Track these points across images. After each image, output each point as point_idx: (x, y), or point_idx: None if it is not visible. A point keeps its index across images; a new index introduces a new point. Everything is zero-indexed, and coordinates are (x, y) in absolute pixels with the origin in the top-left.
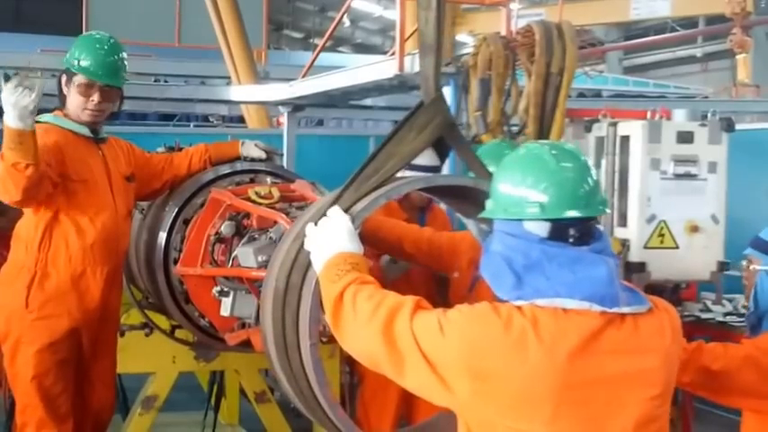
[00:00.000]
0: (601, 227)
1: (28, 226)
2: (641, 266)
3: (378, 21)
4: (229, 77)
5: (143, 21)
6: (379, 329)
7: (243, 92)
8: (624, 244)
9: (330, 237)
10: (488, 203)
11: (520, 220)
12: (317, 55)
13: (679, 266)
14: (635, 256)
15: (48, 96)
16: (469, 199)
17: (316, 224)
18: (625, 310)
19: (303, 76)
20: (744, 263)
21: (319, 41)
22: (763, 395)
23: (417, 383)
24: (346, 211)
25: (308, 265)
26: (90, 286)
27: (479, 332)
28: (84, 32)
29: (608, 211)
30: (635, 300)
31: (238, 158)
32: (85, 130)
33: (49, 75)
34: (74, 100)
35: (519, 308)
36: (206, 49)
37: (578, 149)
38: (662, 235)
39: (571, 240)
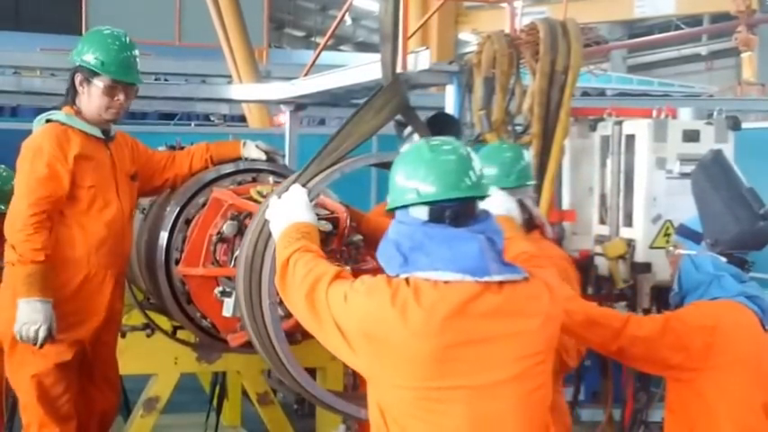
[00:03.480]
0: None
1: None
2: (647, 267)
3: None
4: (230, 76)
5: (143, 19)
6: (304, 294)
7: (244, 91)
8: (630, 244)
9: (287, 208)
10: (388, 198)
11: (404, 207)
12: (319, 53)
13: None
14: (641, 256)
15: (47, 96)
16: None
17: (279, 197)
18: (496, 278)
19: (305, 75)
20: (670, 248)
21: (321, 40)
22: (683, 367)
23: (332, 345)
24: (306, 184)
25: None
26: (95, 288)
27: (373, 301)
28: (84, 31)
29: (487, 194)
30: (508, 270)
31: (240, 158)
32: (97, 131)
33: (49, 74)
34: (95, 100)
35: (406, 279)
36: (207, 48)
37: (460, 144)
38: (668, 234)
39: (447, 221)
